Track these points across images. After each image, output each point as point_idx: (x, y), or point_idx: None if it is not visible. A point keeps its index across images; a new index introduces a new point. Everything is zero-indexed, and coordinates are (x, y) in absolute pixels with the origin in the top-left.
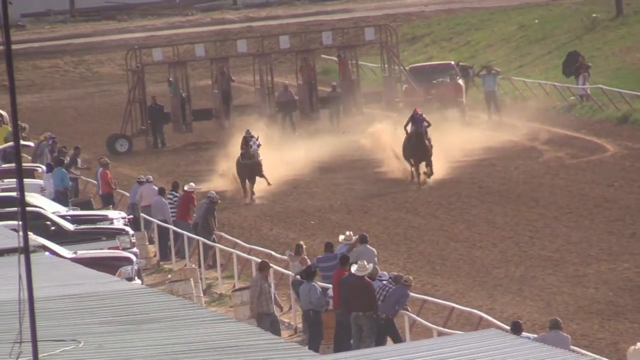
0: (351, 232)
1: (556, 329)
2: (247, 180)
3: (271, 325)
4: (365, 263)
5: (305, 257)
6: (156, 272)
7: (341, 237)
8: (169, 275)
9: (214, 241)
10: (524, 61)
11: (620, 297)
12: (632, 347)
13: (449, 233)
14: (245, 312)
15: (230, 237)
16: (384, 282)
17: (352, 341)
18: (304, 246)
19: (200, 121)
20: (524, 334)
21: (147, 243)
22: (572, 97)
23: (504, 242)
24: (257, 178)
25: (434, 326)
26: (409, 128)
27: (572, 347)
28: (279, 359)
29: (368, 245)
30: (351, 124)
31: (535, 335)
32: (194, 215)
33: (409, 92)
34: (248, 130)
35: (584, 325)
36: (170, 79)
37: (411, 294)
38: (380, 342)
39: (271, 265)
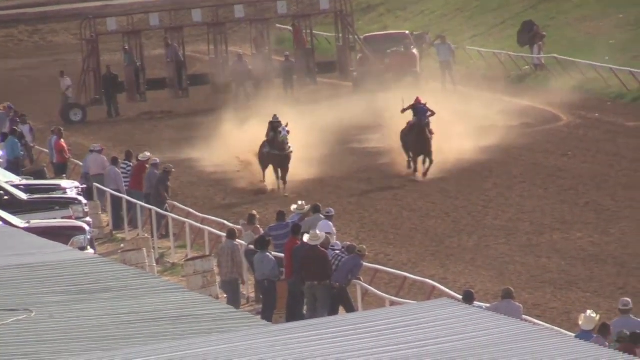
0: (303, 202)
1: (508, 299)
2: (271, 170)
3: (234, 293)
4: (318, 232)
5: (258, 226)
6: (109, 242)
7: (293, 207)
8: (122, 245)
9: (166, 211)
10: (479, 31)
11: (572, 267)
12: (583, 315)
13: (403, 202)
14: (198, 281)
15: (183, 207)
16: (337, 251)
17: (305, 310)
18: (257, 216)
19: (155, 90)
20: (476, 303)
21: (100, 212)
22: (527, 67)
23: (457, 212)
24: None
25: (386, 296)
26: (409, 115)
27: (524, 316)
28: (232, 328)
29: (320, 215)
30: (305, 93)
31: (488, 305)
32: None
33: (364, 62)
34: (275, 116)
35: (537, 294)
36: (126, 47)
37: (364, 263)
38: (334, 311)
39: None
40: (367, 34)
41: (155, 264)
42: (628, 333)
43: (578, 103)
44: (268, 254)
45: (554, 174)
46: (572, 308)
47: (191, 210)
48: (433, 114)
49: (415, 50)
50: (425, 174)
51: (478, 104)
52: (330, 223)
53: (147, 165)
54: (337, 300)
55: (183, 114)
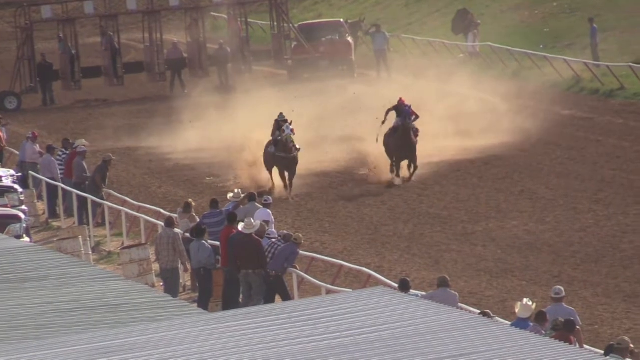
0: (240, 190)
1: (444, 287)
2: (277, 173)
3: (174, 282)
4: (252, 220)
5: (194, 214)
6: (45, 230)
7: (230, 195)
8: (59, 233)
9: (102, 199)
10: (413, 19)
11: (508, 255)
12: (520, 303)
13: (338, 190)
14: (134, 269)
15: (119, 195)
16: (273, 240)
17: (241, 299)
18: (193, 204)
19: (90, 79)
20: (412, 291)
21: (36, 201)
22: (462, 55)
23: (393, 200)
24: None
25: (322, 284)
26: (390, 118)
27: (460, 304)
28: (168, 317)
29: (256, 203)
30: (240, 82)
31: (424, 293)
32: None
33: (298, 50)
34: (281, 114)
35: (472, 282)
36: (61, 35)
37: (300, 251)
38: (269, 299)
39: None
40: (302, 22)
41: (91, 253)
42: (563, 321)
43: (513, 91)
44: (204, 242)
45: (489, 162)
46: (507, 296)
47: (127, 198)
48: (417, 117)
49: (350, 39)
50: (409, 179)
51: (413, 92)
52: (269, 211)
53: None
54: (273, 289)
55: (118, 102)
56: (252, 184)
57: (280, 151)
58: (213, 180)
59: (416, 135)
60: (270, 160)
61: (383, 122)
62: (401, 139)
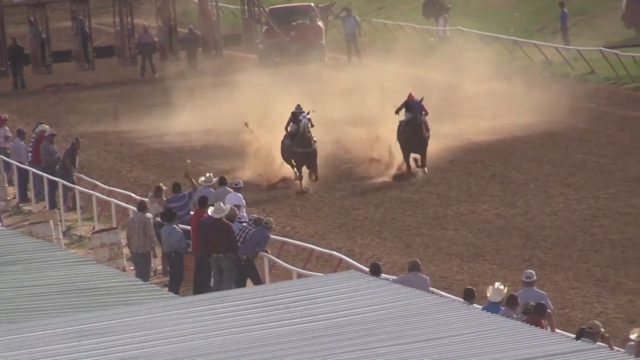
0: (211, 174)
1: (415, 271)
2: (295, 167)
3: (145, 266)
4: (222, 205)
5: (165, 199)
6: (15, 214)
7: (201, 179)
8: (30, 217)
9: (73, 183)
10: (384, 3)
11: (479, 239)
12: (491, 287)
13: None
14: (105, 254)
15: (90, 179)
16: (244, 224)
17: (212, 283)
18: (164, 188)
19: (60, 63)
20: (384, 275)
21: (7, 185)
22: (432, 39)
23: (364, 184)
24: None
25: (293, 268)
26: (402, 114)
27: (431, 288)
28: (139, 301)
29: (227, 187)
30: (210, 66)
31: (395, 277)
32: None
33: (269, 34)
34: (298, 105)
35: (443, 266)
36: (31, 19)
37: (271, 236)
38: (241, 283)
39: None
40: (273, 7)
41: (62, 237)
42: (534, 304)
43: (484, 75)
44: (175, 226)
45: (459, 146)
46: (478, 280)
47: (98, 182)
48: (427, 113)
49: (320, 23)
50: (423, 168)
51: (384, 76)
52: (240, 195)
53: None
54: (244, 273)
55: (89, 86)
56: (267, 173)
57: (298, 146)
58: (190, 163)
59: (427, 130)
60: (286, 154)
61: (397, 112)
62: (413, 132)
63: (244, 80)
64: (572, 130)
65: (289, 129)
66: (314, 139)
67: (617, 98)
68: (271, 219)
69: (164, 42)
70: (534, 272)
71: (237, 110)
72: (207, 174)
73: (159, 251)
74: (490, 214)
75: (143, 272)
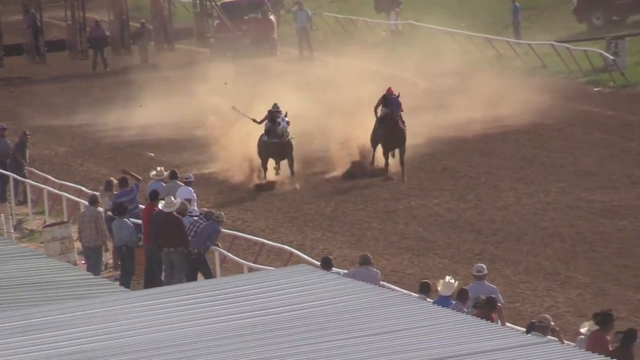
0: (162, 168)
1: (366, 265)
2: (272, 160)
3: (96, 260)
4: (173, 198)
5: (116, 193)
6: None
7: (152, 173)
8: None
9: (24, 177)
10: None
11: (429, 233)
12: (442, 281)
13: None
14: (56, 247)
15: (41, 173)
16: (195, 218)
17: (163, 277)
18: (115, 182)
19: (12, 56)
20: (334, 269)
21: None
22: (384, 33)
23: (315, 178)
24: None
25: (244, 262)
26: (379, 111)
27: (381, 282)
28: (90, 294)
29: (178, 181)
30: (162, 60)
31: (346, 271)
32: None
33: (221, 28)
34: (275, 105)
35: (394, 260)
36: None
37: (222, 229)
38: (192, 277)
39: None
40: (225, 1)
41: (13, 231)
42: (484, 298)
43: (434, 70)
44: (126, 220)
45: (410, 140)
46: (429, 274)
47: (49, 176)
48: (401, 109)
49: (272, 17)
50: (402, 169)
51: (335, 70)
52: (191, 189)
53: None
54: (195, 267)
55: (40, 80)
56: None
57: (273, 137)
58: (154, 156)
59: (404, 125)
60: (264, 150)
61: (377, 116)
62: (390, 128)
63: (196, 74)
64: (522, 124)
65: (264, 127)
66: (289, 135)
67: (568, 92)
68: (222, 213)
69: (115, 36)
70: (484, 266)
71: (190, 105)
72: (158, 168)
73: (110, 245)
74: (441, 208)
75: (94, 266)
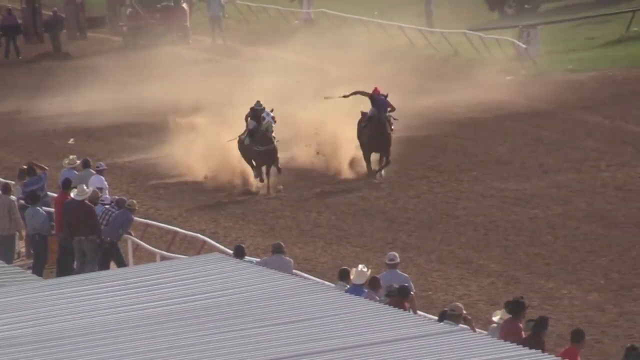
0: (75, 156)
1: (279, 253)
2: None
3: (9, 248)
4: (85, 187)
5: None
6: None
7: (65, 161)
8: None
9: None
10: None
11: (342, 221)
12: (354, 269)
13: (174, 158)
14: None
15: None
16: (107, 206)
17: (75, 265)
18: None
19: None
20: (247, 258)
21: None
22: (296, 21)
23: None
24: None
25: (157, 250)
26: (365, 109)
27: (294, 271)
28: (2, 283)
29: (91, 169)
30: (74, 48)
31: (258, 259)
32: None
33: (133, 17)
34: (258, 102)
35: (307, 249)
36: None
37: (135, 217)
38: (104, 266)
39: None
40: None
41: None
42: (397, 287)
43: (347, 58)
44: (39, 208)
45: (321, 130)
46: (342, 262)
47: None
48: (393, 109)
49: (185, 5)
50: (379, 173)
51: (247, 59)
52: (102, 177)
53: None
54: (108, 255)
55: None
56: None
57: (258, 144)
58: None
59: (391, 128)
60: (246, 153)
61: (345, 97)
62: (375, 130)
63: (106, 63)
64: (434, 111)
65: (248, 126)
66: (274, 136)
67: (480, 81)
68: (134, 201)
69: (28, 25)
70: (397, 255)
71: (104, 93)
72: (71, 156)
73: (24, 233)
74: (353, 197)
75: (7, 254)
